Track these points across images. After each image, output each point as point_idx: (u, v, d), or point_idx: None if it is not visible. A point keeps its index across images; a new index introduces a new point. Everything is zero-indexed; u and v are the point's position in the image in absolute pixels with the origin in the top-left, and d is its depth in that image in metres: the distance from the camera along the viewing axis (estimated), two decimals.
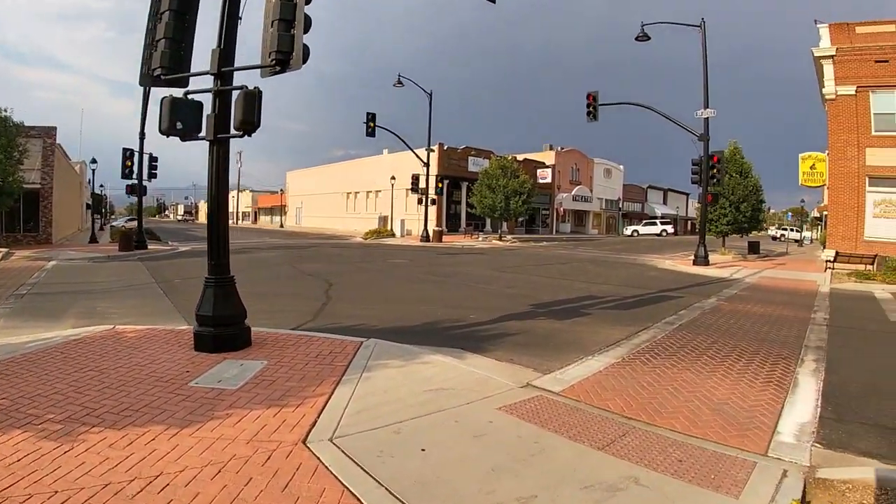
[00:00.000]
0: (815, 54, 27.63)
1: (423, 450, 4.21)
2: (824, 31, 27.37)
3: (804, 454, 4.56)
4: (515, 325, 9.51)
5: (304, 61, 6.53)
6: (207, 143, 6.95)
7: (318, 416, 4.81)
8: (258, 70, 6.74)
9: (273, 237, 45.09)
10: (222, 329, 6.91)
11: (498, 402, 5.39)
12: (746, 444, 4.71)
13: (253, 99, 6.53)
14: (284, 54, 6.43)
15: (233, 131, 6.77)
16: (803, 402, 5.87)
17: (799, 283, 18.91)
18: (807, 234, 71.47)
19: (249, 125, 6.58)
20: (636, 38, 25.09)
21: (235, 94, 6.69)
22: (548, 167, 62.06)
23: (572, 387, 6.04)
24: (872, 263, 21.08)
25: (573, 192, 66.41)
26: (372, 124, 34.59)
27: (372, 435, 4.47)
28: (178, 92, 6.92)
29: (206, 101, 6.94)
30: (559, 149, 67.33)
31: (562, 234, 62.76)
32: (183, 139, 7.05)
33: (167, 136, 6.76)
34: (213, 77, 6.94)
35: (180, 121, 6.70)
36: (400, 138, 37.08)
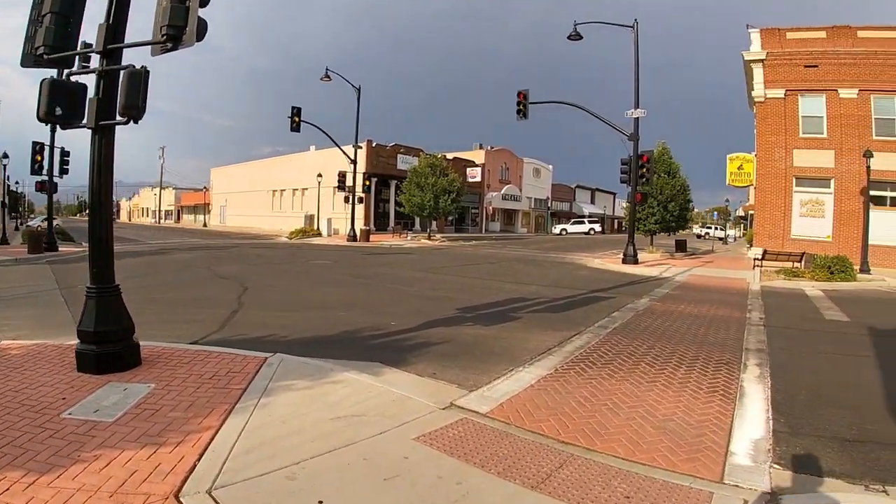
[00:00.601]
0: (746, 58, 28.63)
1: (320, 502, 3.45)
2: (755, 36, 28.46)
3: (763, 478, 4.11)
4: (440, 332, 8.83)
5: (200, 37, 5.83)
6: (90, 130, 6.04)
7: (199, 459, 3.97)
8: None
9: (194, 237, 42.93)
10: (106, 346, 5.95)
11: (416, 429, 4.68)
12: (699, 469, 4.20)
13: (139, 80, 5.70)
14: (177, 29, 5.70)
15: (118, 118, 5.86)
16: (753, 415, 5.46)
17: (729, 282, 19.14)
18: (731, 232, 74.28)
19: (134, 110, 5.76)
20: (568, 37, 25.10)
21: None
22: (477, 166, 62.23)
23: (501, 406, 5.40)
24: (800, 261, 21.63)
25: (503, 191, 66.84)
26: (297, 119, 33.19)
27: (259, 483, 3.67)
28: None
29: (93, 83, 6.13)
30: (489, 148, 67.73)
31: (491, 233, 63.07)
32: (63, 127, 6.39)
33: (46, 124, 6.18)
34: (99, 56, 6.06)
35: (60, 106, 5.97)
36: (326, 134, 35.90)
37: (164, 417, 4.73)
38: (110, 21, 6.08)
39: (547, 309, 11.57)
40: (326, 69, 36.18)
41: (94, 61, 6.34)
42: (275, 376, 5.91)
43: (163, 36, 5.72)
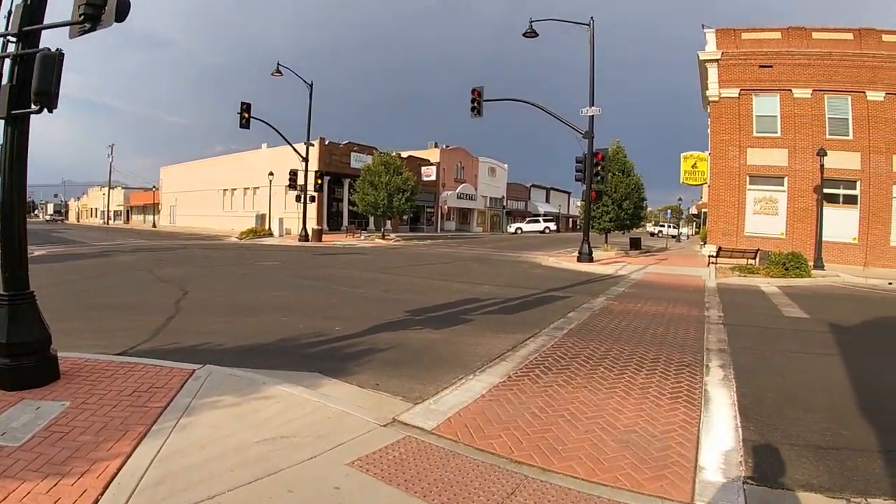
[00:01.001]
0: (701, 57, 29.07)
1: None
2: (711, 36, 28.91)
3: (737, 497, 3.77)
4: (387, 337, 8.33)
5: (121, 18, 5.39)
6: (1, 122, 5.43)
7: (102, 494, 3.41)
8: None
9: (141, 238, 41.08)
10: (21, 360, 5.30)
11: (353, 452, 4.18)
12: (667, 488, 3.84)
13: (51, 64, 5.13)
14: (95, 8, 5.31)
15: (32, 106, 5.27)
16: (721, 422, 5.16)
17: (685, 279, 19.16)
18: (684, 230, 75.53)
19: (46, 97, 5.17)
20: (524, 34, 24.95)
21: None
22: (432, 165, 61.87)
23: (449, 421, 4.94)
24: (755, 258, 21.84)
25: (458, 190, 66.64)
26: (246, 115, 32.01)
27: None
28: None
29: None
30: (444, 147, 67.38)
31: (447, 233, 62.79)
32: None
33: None
34: (15, 39, 5.47)
35: None
36: (276, 130, 34.87)
37: (73, 442, 4.14)
38: (28, 1, 5.52)
39: (500, 310, 11.18)
40: (278, 64, 35.34)
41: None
42: (200, 392, 5.33)
43: (80, 16, 5.36)
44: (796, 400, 5.96)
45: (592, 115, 23.88)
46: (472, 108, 24.32)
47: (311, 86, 37.62)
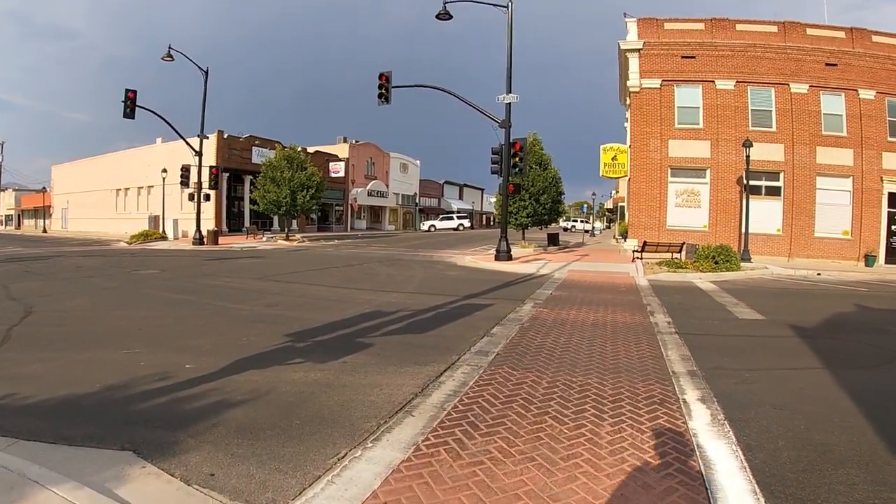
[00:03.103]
0: (623, 47, 28.49)
1: None
2: (632, 26, 28.24)
3: None
4: (252, 379, 6.07)
5: None
6: None
7: None
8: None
9: (24, 245, 35.84)
10: None
11: None
12: None
13: None
14: None
15: None
16: None
17: (613, 276, 17.82)
18: (598, 224, 76.24)
19: None
20: (437, 16, 22.99)
21: None
22: (341, 160, 59.08)
23: None
24: (680, 251, 20.87)
25: (368, 187, 64.27)
26: (131, 104, 28.28)
27: None
28: None
29: None
30: (354, 142, 64.73)
31: (357, 231, 60.31)
32: None
33: None
34: None
35: None
36: (167, 122, 31.26)
37: None
38: None
39: (409, 327, 9.08)
40: (169, 48, 31.74)
41: None
42: None
43: None
44: (817, 448, 4.43)
45: (510, 103, 22.29)
46: (380, 95, 22.45)
47: (206, 73, 34.25)
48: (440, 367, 6.49)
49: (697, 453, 4.19)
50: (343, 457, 4.07)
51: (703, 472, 3.86)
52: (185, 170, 34.30)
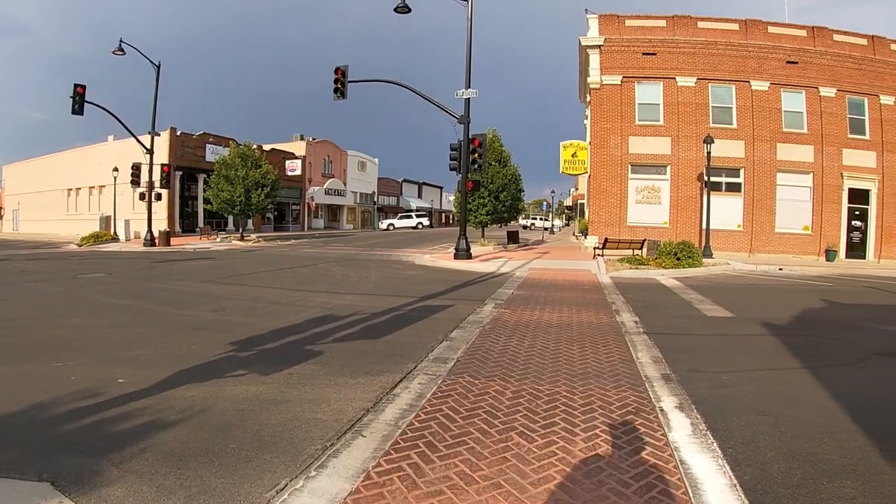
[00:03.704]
0: (583, 43, 28.47)
1: None
2: (594, 22, 28.18)
3: None
4: (189, 395, 5.46)
5: None
6: None
7: None
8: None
9: None
10: None
11: None
12: None
13: None
14: None
15: None
16: None
17: (575, 274, 17.54)
18: (557, 222, 76.57)
19: None
20: (395, 9, 22.36)
21: None
22: (298, 158, 57.68)
23: None
24: (641, 248, 20.72)
25: (326, 186, 63.09)
26: (80, 100, 26.75)
27: None
28: None
29: None
30: (311, 139, 63.35)
31: (315, 231, 59.22)
32: None
33: None
34: None
35: None
36: (117, 119, 29.72)
37: None
38: None
39: (363, 332, 8.53)
40: (120, 41, 30.36)
41: None
42: None
43: None
44: (808, 458, 4.13)
45: (469, 98, 21.82)
46: (336, 90, 21.83)
47: (157, 67, 32.87)
48: (395, 377, 5.97)
49: (681, 471, 3.79)
50: (282, 489, 3.52)
51: (691, 495, 3.45)
52: (136, 168, 32.95)
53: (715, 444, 4.25)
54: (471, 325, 8.97)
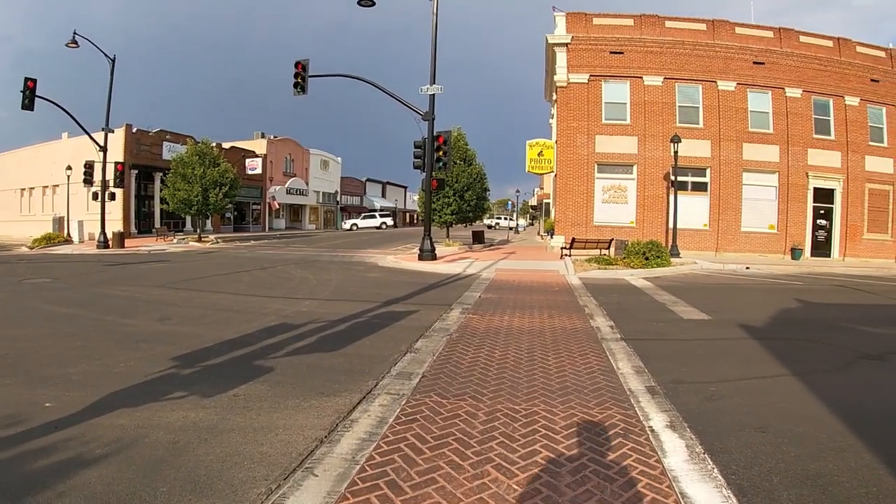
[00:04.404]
0: (550, 41, 28.25)
1: None
2: (561, 20, 27.97)
3: None
4: (118, 423, 4.76)
5: None
6: None
7: None
8: None
9: None
10: None
11: None
12: None
13: None
14: None
15: None
16: None
17: (543, 275, 17.14)
18: (521, 222, 76.63)
19: None
20: (359, 3, 21.64)
21: None
22: (258, 157, 56.28)
23: None
24: (609, 247, 20.46)
25: (287, 185, 61.88)
26: (30, 94, 25.31)
27: None
28: None
29: None
30: (272, 137, 62.06)
31: (276, 231, 57.99)
32: None
33: None
34: None
35: None
36: (69, 114, 28.27)
37: None
38: None
39: (319, 344, 7.89)
40: (74, 33, 29.00)
41: None
42: None
43: None
44: (817, 481, 3.76)
45: (434, 94, 21.28)
46: (296, 85, 21.07)
47: (112, 61, 31.56)
48: (353, 397, 5.37)
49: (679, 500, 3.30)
50: None
51: None
52: (89, 166, 31.49)
53: (716, 471, 3.79)
54: (437, 334, 8.40)
